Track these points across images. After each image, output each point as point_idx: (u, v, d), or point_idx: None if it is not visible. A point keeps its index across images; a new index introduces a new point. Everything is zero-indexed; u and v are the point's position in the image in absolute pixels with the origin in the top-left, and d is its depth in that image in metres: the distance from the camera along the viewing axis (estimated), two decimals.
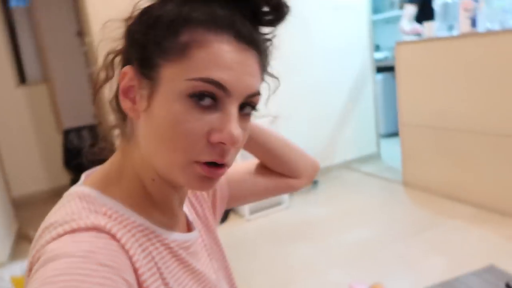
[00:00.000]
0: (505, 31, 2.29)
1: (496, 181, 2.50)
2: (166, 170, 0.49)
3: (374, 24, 3.95)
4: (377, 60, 4.07)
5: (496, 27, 2.31)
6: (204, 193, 0.68)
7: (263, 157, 0.74)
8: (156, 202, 0.53)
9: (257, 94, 0.49)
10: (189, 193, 0.65)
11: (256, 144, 0.70)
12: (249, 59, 0.47)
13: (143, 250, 0.47)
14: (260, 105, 0.52)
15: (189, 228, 0.60)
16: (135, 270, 0.44)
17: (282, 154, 0.73)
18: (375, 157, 3.90)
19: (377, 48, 4.88)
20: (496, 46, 2.35)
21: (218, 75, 0.44)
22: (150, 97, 0.47)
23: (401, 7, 4.20)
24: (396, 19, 3.97)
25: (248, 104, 0.49)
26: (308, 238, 2.51)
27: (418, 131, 2.98)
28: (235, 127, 0.45)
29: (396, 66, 3.06)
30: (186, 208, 0.62)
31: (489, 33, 2.36)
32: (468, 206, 2.63)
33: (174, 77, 0.45)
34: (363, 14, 3.66)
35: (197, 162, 0.47)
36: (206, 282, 0.56)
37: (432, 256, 2.11)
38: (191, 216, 0.62)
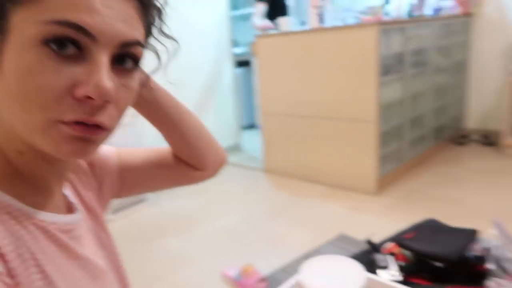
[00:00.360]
0: (346, 27, 2.63)
1: (342, 161, 2.85)
2: (26, 136, 0.41)
3: (232, 20, 4.09)
4: (235, 55, 4.22)
5: (339, 23, 2.63)
6: (92, 179, 0.59)
7: (171, 136, 0.65)
8: (27, 179, 0.44)
9: (136, 44, 0.43)
10: (73, 176, 0.56)
11: (165, 117, 0.62)
12: (122, 4, 0.41)
13: (12, 234, 0.39)
14: (158, 71, 0.46)
15: (70, 210, 0.51)
16: (1, 256, 0.37)
17: (195, 137, 0.65)
18: (237, 148, 4.05)
19: (235, 43, 5.07)
20: (339, 39, 2.67)
21: (77, 16, 0.37)
22: (0, 51, 0.39)
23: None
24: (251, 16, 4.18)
25: (128, 57, 0.43)
26: (177, 231, 2.46)
27: (276, 120, 3.19)
28: (104, 78, 0.39)
29: (255, 58, 3.23)
30: (69, 192, 0.53)
31: (334, 28, 2.68)
32: (320, 185, 2.94)
33: (24, 22, 0.37)
34: (222, 10, 3.74)
35: (62, 122, 0.39)
36: (92, 268, 0.49)
37: (295, 233, 2.29)
38: (74, 200, 0.53)
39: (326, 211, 2.55)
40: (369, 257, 0.94)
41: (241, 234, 2.35)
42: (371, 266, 0.89)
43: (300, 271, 0.86)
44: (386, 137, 2.78)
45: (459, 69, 3.68)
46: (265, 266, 1.93)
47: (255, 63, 3.85)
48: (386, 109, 2.71)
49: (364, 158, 2.72)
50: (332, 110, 2.81)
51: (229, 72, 3.91)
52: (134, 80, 0.46)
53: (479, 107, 3.84)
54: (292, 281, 0.86)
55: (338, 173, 2.89)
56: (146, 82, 0.57)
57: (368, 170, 2.71)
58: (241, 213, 2.62)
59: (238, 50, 4.86)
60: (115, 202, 2.58)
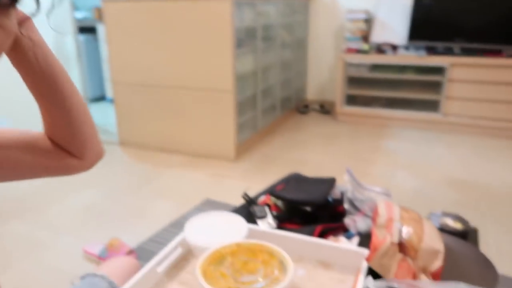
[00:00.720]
0: None
1: (201, 131, 2.89)
2: None
3: None
4: (77, 20, 3.80)
5: None
6: None
7: (53, 109, 0.55)
8: None
9: None
10: None
11: (48, 80, 0.52)
12: None
13: None
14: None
15: None
16: None
17: (81, 119, 0.57)
18: None
19: (75, 7, 4.54)
20: (194, 9, 2.64)
21: None
22: None
23: None
24: None
25: None
26: (23, 214, 2.17)
27: (131, 90, 3.02)
28: None
29: (104, 25, 2.96)
30: None
31: None
32: (181, 155, 2.94)
33: None
34: None
35: None
36: None
37: (160, 203, 2.25)
38: None
39: (189, 179, 2.57)
40: (248, 210, 0.99)
41: (101, 209, 2.20)
42: (251, 218, 0.95)
43: (185, 229, 0.87)
44: (242, 106, 2.92)
45: (300, 46, 4.06)
46: (132, 239, 1.87)
47: (102, 29, 3.53)
48: (241, 80, 2.84)
49: (223, 127, 2.81)
50: (190, 80, 2.80)
51: (70, 39, 3.51)
52: (11, 20, 0.38)
53: (317, 80, 4.33)
54: (177, 239, 0.86)
55: (198, 142, 2.93)
56: (26, 24, 0.48)
57: (227, 138, 2.82)
58: (99, 188, 2.45)
59: (80, 14, 4.39)
60: None
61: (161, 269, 0.80)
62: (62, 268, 1.70)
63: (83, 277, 0.83)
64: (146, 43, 2.86)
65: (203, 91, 2.78)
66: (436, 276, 0.75)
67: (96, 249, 1.73)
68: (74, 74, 3.58)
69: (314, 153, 3.04)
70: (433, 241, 0.79)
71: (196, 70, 2.77)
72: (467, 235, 0.96)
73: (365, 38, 3.70)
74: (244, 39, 2.91)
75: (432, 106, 3.48)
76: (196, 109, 2.84)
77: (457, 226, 0.96)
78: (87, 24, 4.25)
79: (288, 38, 3.67)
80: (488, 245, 1.81)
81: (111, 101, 4.07)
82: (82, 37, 4.08)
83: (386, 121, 3.64)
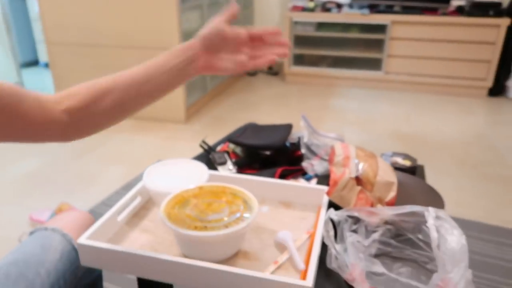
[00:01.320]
0: None
1: None
2: None
3: None
4: None
5: None
6: None
7: None
8: None
9: None
10: None
11: None
12: None
13: None
14: None
15: None
16: None
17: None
18: None
19: None
20: None
21: None
22: None
23: None
24: None
25: None
26: None
27: (68, 51, 2.82)
28: None
29: None
30: None
31: None
32: (130, 119, 2.82)
33: None
34: None
35: None
36: None
37: (110, 168, 2.17)
38: None
39: (140, 144, 2.50)
40: (207, 158, 0.98)
41: (46, 177, 2.09)
42: (211, 165, 0.94)
43: (143, 177, 0.84)
44: None
45: (246, 4, 3.98)
46: (84, 204, 1.80)
47: None
48: (187, 38, 2.73)
49: None
50: (133, 38, 2.66)
51: None
52: None
53: None
54: (137, 187, 0.84)
55: (147, 106, 2.82)
56: None
57: (177, 101, 2.75)
58: (42, 156, 2.31)
59: None
60: None
61: (121, 217, 0.78)
62: (7, 236, 1.61)
63: (32, 232, 0.78)
64: None
65: (148, 50, 2.65)
66: (391, 205, 0.79)
67: (44, 216, 1.65)
68: (1, 37, 3.27)
69: (264, 114, 3.06)
70: (387, 175, 0.83)
71: (139, 27, 2.63)
72: (416, 170, 1.02)
73: None
74: None
75: (375, 64, 3.60)
76: None
77: (406, 163, 1.02)
78: None
79: None
80: None
81: (46, 65, 3.80)
82: None
83: (333, 80, 3.73)
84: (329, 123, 2.82)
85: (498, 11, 3.22)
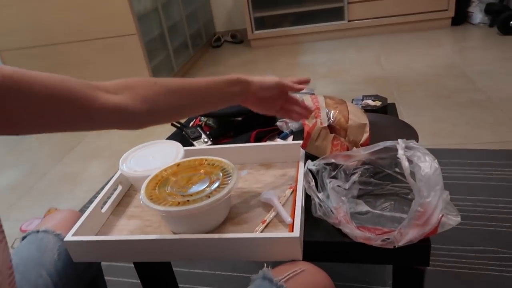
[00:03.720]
0: None
1: None
2: None
3: None
4: None
5: None
6: None
7: None
8: None
9: None
10: None
11: None
12: None
13: None
14: None
15: None
16: None
17: None
18: None
19: None
20: None
21: None
22: None
23: None
24: None
25: None
26: None
27: (21, 56, 2.72)
28: None
29: None
30: None
31: None
32: None
33: None
34: None
35: None
36: None
37: (92, 164, 2.15)
38: None
39: (116, 135, 2.46)
40: (180, 135, 0.98)
41: (29, 186, 2.05)
42: (185, 142, 0.94)
43: (120, 165, 0.84)
44: (151, 49, 2.77)
45: None
46: (73, 205, 1.79)
47: None
48: (143, 20, 2.65)
49: (136, 73, 2.66)
50: (86, 30, 2.57)
51: None
52: None
53: (223, 8, 4.19)
54: (115, 177, 0.83)
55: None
56: None
57: None
58: (19, 166, 2.26)
59: None
60: None
61: (105, 209, 0.78)
62: None
63: (24, 237, 0.78)
64: None
65: (104, 40, 2.57)
66: (366, 146, 0.80)
67: (34, 225, 1.63)
68: None
69: None
70: (358, 117, 0.84)
71: (90, 17, 2.53)
72: (387, 109, 1.03)
73: None
74: None
75: (338, 14, 3.56)
76: (102, 61, 2.64)
77: (377, 103, 1.03)
78: None
79: None
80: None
81: None
82: None
83: (298, 37, 3.69)
84: None
85: None
